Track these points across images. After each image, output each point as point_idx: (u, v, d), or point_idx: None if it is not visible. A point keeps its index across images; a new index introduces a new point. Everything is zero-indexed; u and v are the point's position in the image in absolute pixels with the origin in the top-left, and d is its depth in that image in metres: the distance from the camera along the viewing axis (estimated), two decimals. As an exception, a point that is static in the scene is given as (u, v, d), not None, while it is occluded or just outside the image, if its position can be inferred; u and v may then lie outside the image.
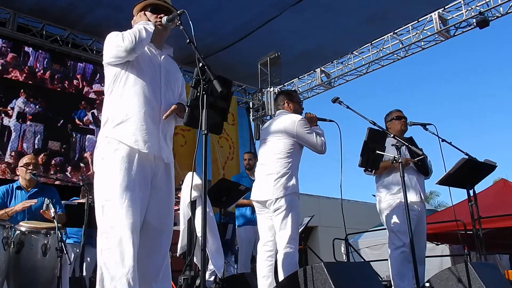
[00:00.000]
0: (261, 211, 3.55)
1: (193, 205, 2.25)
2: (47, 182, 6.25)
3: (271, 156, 3.46)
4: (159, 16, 2.51)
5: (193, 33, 2.29)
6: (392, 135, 3.25)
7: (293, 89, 9.88)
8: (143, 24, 2.40)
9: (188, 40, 2.29)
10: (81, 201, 5.12)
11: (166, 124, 2.40)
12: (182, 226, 2.33)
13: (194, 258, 2.20)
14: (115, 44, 2.29)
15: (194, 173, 2.11)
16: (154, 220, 2.26)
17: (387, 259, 3.91)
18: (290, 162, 3.43)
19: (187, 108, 2.23)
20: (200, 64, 2.14)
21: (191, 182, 2.01)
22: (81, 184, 4.87)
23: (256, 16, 7.27)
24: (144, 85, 2.36)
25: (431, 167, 4.00)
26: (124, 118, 2.27)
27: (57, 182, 6.19)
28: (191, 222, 2.25)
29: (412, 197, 3.80)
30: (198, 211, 2.19)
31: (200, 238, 1.92)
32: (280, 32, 7.80)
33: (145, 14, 2.54)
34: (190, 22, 2.32)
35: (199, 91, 2.11)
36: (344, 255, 8.08)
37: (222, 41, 7.94)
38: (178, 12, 2.43)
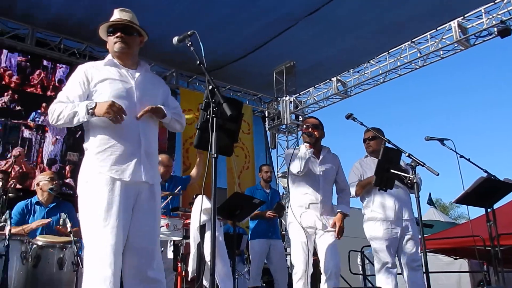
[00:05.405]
0: None
1: (202, 229, 2.24)
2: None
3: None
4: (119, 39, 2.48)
5: (203, 54, 2.30)
6: (407, 154, 3.19)
7: (309, 98, 9.84)
8: (81, 108, 2.29)
9: (198, 62, 2.29)
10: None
11: (147, 143, 2.41)
12: (193, 250, 2.32)
13: (204, 282, 2.18)
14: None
15: (204, 196, 2.09)
16: (138, 241, 2.28)
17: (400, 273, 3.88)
18: None
19: (197, 131, 2.23)
20: (210, 87, 2.14)
21: (201, 206, 2.00)
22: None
23: (270, 26, 7.26)
24: None
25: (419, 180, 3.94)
26: (103, 147, 2.31)
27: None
28: (200, 246, 2.24)
29: (390, 214, 3.84)
30: (208, 235, 2.17)
31: (209, 263, 1.91)
32: (296, 41, 7.79)
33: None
34: (201, 43, 2.33)
35: (208, 113, 2.11)
36: (360, 267, 7.98)
37: (237, 51, 7.97)
38: (189, 33, 2.43)
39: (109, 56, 2.54)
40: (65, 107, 2.31)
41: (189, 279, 2.35)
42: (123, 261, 2.21)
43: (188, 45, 2.42)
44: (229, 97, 2.11)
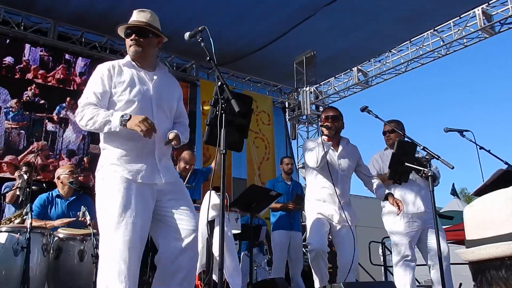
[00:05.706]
0: None
1: (211, 224, 2.25)
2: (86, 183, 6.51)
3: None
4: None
5: (213, 50, 2.29)
6: (422, 147, 3.13)
7: (329, 88, 9.74)
8: (114, 118, 2.29)
9: (208, 58, 2.29)
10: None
11: (161, 145, 2.43)
12: (200, 245, 2.34)
13: (213, 276, 2.21)
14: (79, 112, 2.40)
15: (213, 192, 2.11)
16: (187, 224, 2.30)
17: (425, 264, 3.84)
18: None
19: (206, 127, 2.24)
20: (219, 83, 2.14)
21: (209, 202, 2.01)
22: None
23: (290, 16, 7.20)
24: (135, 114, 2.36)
25: (437, 173, 3.81)
26: (118, 148, 2.33)
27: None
28: (209, 241, 2.26)
29: (411, 208, 3.75)
30: (216, 230, 2.19)
31: (218, 258, 1.93)
32: (316, 31, 7.70)
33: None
34: (211, 39, 2.32)
35: (218, 109, 2.11)
36: (381, 258, 7.91)
37: (257, 42, 7.94)
38: (200, 28, 2.42)
39: (127, 57, 2.55)
40: (97, 113, 2.31)
41: (196, 274, 2.37)
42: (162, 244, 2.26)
43: (199, 40, 2.41)
44: (238, 93, 2.10)
